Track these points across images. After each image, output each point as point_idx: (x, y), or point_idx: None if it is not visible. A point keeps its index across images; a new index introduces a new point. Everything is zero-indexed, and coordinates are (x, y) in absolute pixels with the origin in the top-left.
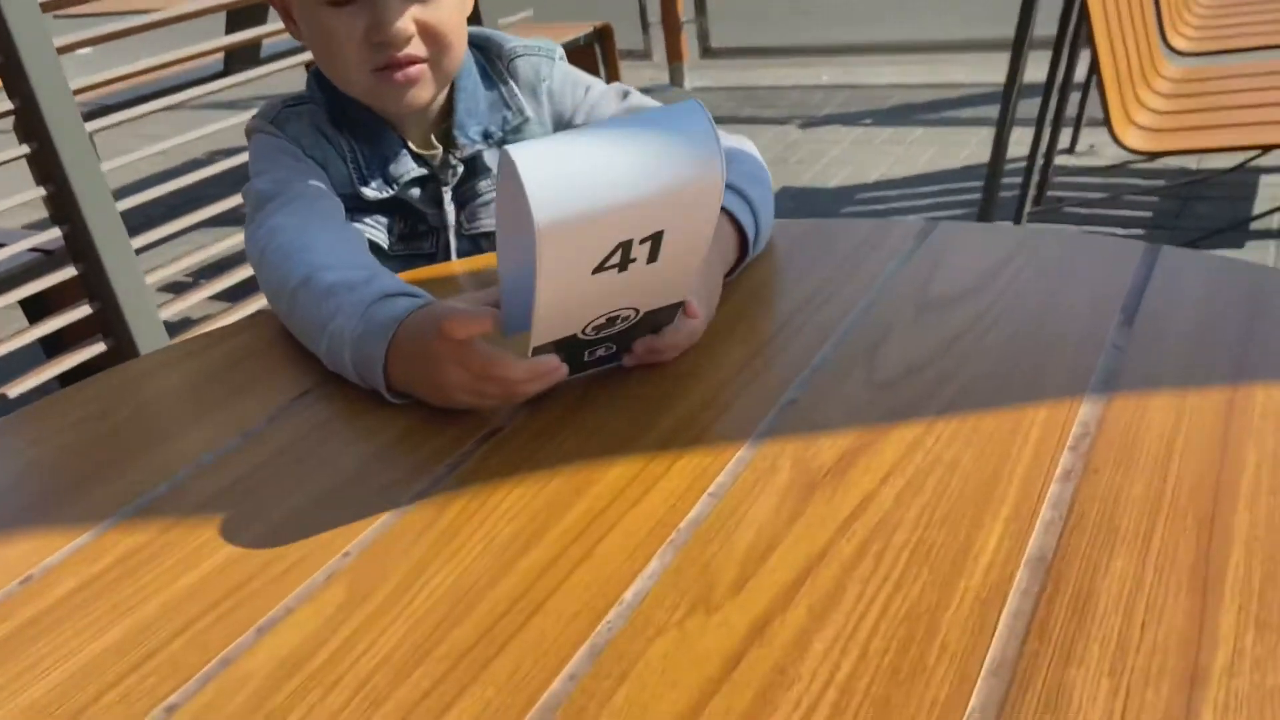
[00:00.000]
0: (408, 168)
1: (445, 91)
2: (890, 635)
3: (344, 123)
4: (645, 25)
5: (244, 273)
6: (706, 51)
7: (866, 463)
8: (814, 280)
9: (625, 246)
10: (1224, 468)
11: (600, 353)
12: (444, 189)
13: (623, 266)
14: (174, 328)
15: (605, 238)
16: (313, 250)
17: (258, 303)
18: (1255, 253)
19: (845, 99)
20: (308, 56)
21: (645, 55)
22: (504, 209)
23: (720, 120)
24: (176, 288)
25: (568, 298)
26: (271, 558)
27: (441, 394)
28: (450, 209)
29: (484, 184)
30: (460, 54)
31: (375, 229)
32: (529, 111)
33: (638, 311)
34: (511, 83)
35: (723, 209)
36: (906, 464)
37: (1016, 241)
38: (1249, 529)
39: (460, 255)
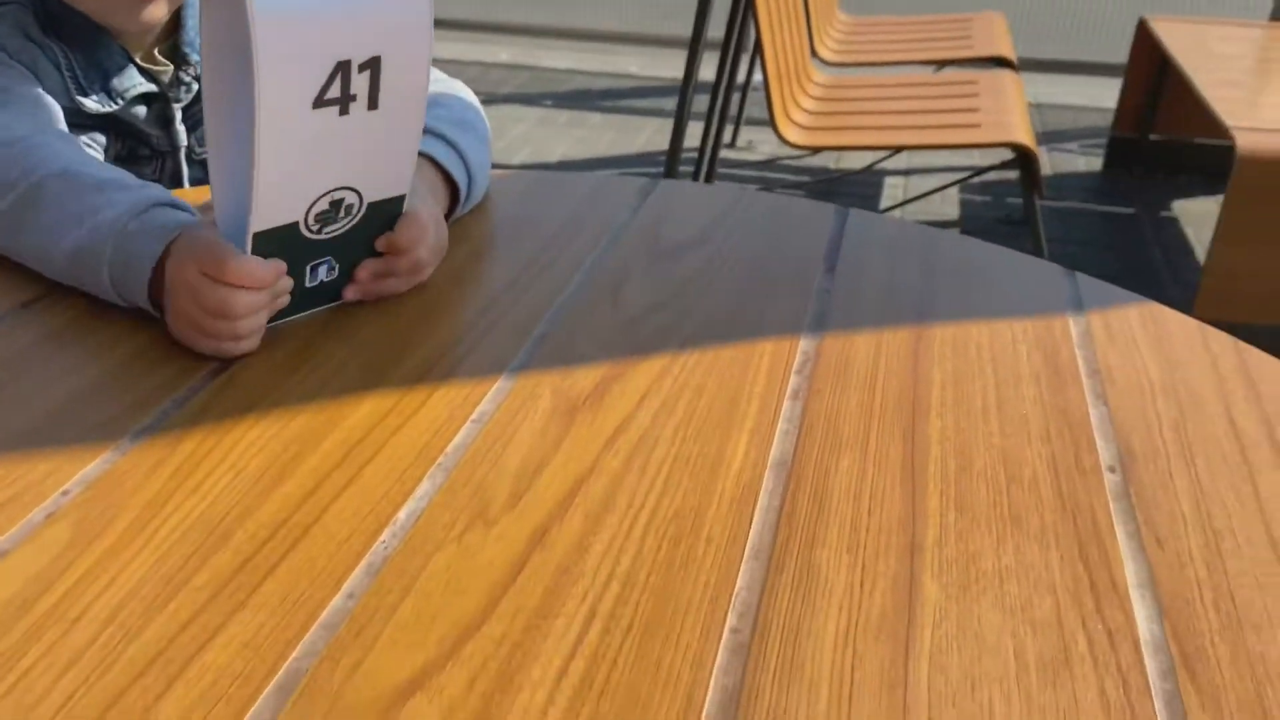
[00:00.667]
0: (134, 81)
1: (172, 8)
2: (661, 534)
3: (55, 29)
4: None
5: None
6: None
7: (621, 388)
8: (551, 227)
9: (344, 71)
10: (918, 386)
11: (322, 275)
12: (175, 106)
13: (344, 108)
14: None
15: (324, 51)
16: (57, 148)
17: None
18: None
19: (525, 79)
20: None
21: None
22: (213, 50)
23: None
24: None
25: (288, 148)
26: None
27: (171, 320)
28: (181, 130)
29: None
30: None
31: (91, 149)
32: None
33: (360, 200)
34: None
35: (430, 158)
36: (659, 388)
37: (730, 200)
38: (941, 433)
39: (193, 183)
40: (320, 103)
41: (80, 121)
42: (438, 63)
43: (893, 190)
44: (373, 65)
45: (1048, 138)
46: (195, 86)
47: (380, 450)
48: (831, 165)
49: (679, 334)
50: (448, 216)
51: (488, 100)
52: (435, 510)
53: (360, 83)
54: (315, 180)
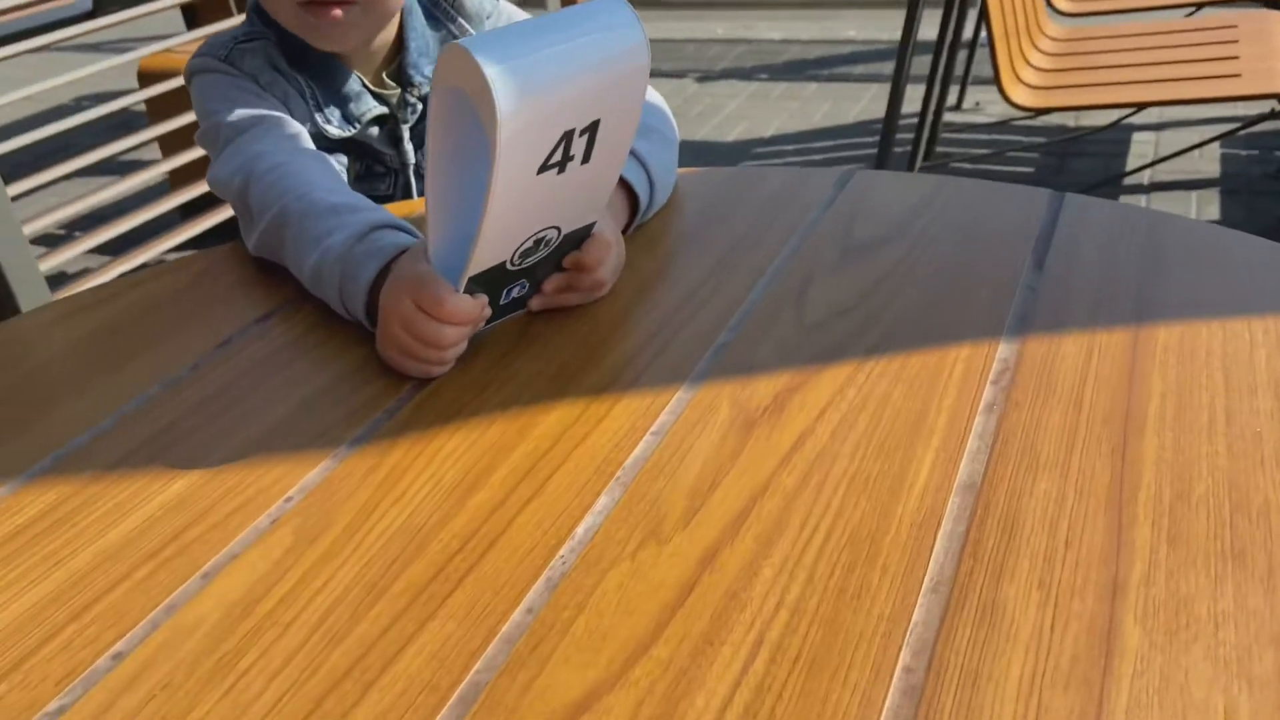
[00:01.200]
0: (369, 106)
1: (393, 31)
2: (834, 559)
3: (299, 61)
4: None
5: (125, 225)
6: None
7: (801, 400)
8: (739, 227)
9: (568, 139)
10: (1132, 398)
11: (515, 294)
12: (403, 127)
13: (561, 167)
14: (54, 281)
15: (554, 124)
16: (308, 172)
17: (140, 256)
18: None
19: (740, 53)
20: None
21: (540, 3)
22: (442, 122)
23: None
24: (52, 240)
25: (512, 206)
26: (209, 505)
27: (381, 343)
28: (409, 148)
29: None
30: (395, 2)
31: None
32: None
33: (559, 233)
34: (460, 20)
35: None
36: (840, 401)
37: (932, 189)
38: (1158, 453)
39: (420, 195)
40: (543, 168)
41: (323, 145)
42: (653, 42)
43: (1142, 148)
44: (592, 128)
45: None
46: (420, 107)
47: (564, 462)
48: (1070, 123)
49: (865, 341)
50: (627, 227)
51: (704, 77)
52: (612, 526)
53: (579, 144)
54: (527, 227)
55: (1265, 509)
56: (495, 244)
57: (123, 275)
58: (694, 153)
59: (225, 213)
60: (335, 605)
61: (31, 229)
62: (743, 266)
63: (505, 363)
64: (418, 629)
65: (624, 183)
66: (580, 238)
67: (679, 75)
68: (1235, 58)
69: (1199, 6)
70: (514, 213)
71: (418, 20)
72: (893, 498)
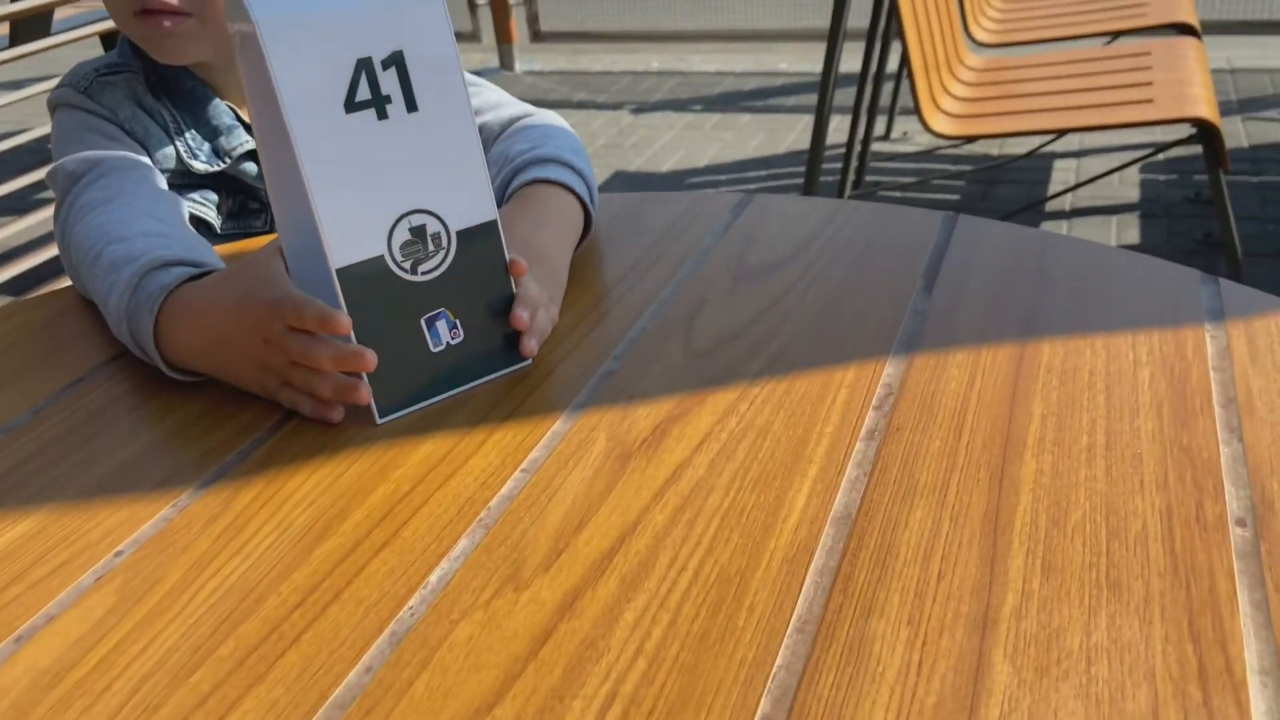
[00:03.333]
0: (241, 140)
1: None
2: (701, 600)
3: (165, 91)
4: (473, 6)
5: (27, 263)
6: (536, 35)
7: (681, 431)
8: (635, 252)
9: (369, 70)
10: (1013, 421)
11: (445, 336)
12: None
13: (381, 111)
14: None
15: (338, 49)
16: (111, 223)
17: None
18: (1050, 230)
19: (675, 85)
20: (101, 26)
21: (474, 37)
22: (254, 93)
23: (553, 105)
24: None
25: (335, 159)
26: (31, 562)
27: (232, 368)
28: None
29: None
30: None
31: (203, 206)
32: None
33: (446, 229)
34: None
35: (565, 186)
36: (720, 430)
37: (829, 213)
38: (1035, 478)
39: None
40: (353, 105)
41: (190, 181)
42: (588, 75)
43: (1063, 174)
44: (397, 62)
45: (1242, 106)
46: None
47: (424, 504)
48: (995, 151)
49: (751, 367)
50: (583, 237)
51: (639, 108)
52: (468, 572)
53: (390, 82)
54: (382, 201)
55: (1143, 535)
56: (347, 218)
57: None
58: (629, 183)
59: None
60: (154, 671)
61: None
62: (635, 292)
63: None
64: (241, 694)
65: (577, 198)
66: (491, 254)
67: (615, 107)
68: (1149, 84)
69: (1116, 35)
70: (346, 169)
71: None
72: (766, 532)
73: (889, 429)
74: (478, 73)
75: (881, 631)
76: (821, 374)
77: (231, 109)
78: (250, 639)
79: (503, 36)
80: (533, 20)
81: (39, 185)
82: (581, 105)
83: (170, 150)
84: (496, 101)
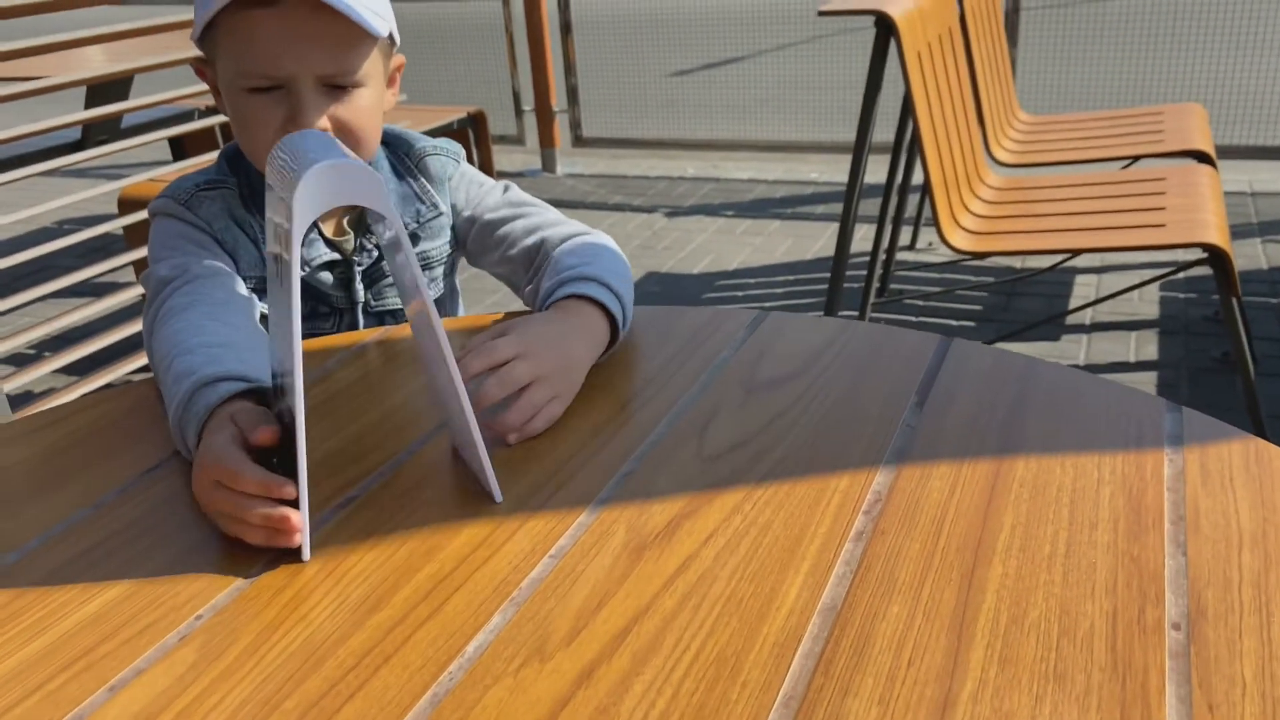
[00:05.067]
0: (319, 252)
1: None
2: (700, 676)
3: (256, 205)
4: (519, 112)
5: (91, 346)
6: (578, 140)
7: (691, 526)
8: (658, 361)
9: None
10: (985, 529)
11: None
12: (356, 269)
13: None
14: (16, 400)
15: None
16: (185, 331)
17: (106, 377)
18: (1069, 344)
19: (708, 191)
20: (170, 131)
21: (519, 141)
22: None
23: (590, 207)
24: (19, 360)
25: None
26: (124, 620)
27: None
28: (360, 288)
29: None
30: (373, 150)
31: None
32: (444, 207)
33: (290, 399)
34: (423, 179)
35: (598, 303)
36: (726, 527)
37: (834, 332)
38: (1000, 580)
39: (365, 327)
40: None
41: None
42: (626, 179)
43: (1084, 289)
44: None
45: (1263, 228)
46: (376, 252)
47: (465, 582)
48: (1017, 265)
49: (756, 471)
50: (608, 348)
51: (673, 212)
52: (500, 644)
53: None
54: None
55: (1090, 634)
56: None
57: (71, 402)
58: (661, 283)
59: None
60: (229, 719)
61: (1, 349)
62: (654, 400)
63: (424, 484)
64: None
65: (608, 315)
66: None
67: (650, 210)
68: (1162, 209)
69: (1134, 160)
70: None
71: (384, 172)
72: (760, 618)
73: (875, 531)
74: (520, 174)
75: (856, 710)
76: (819, 480)
77: (316, 225)
78: (311, 695)
79: (546, 141)
80: (575, 126)
81: (107, 271)
82: (618, 207)
83: (255, 259)
84: (554, 220)
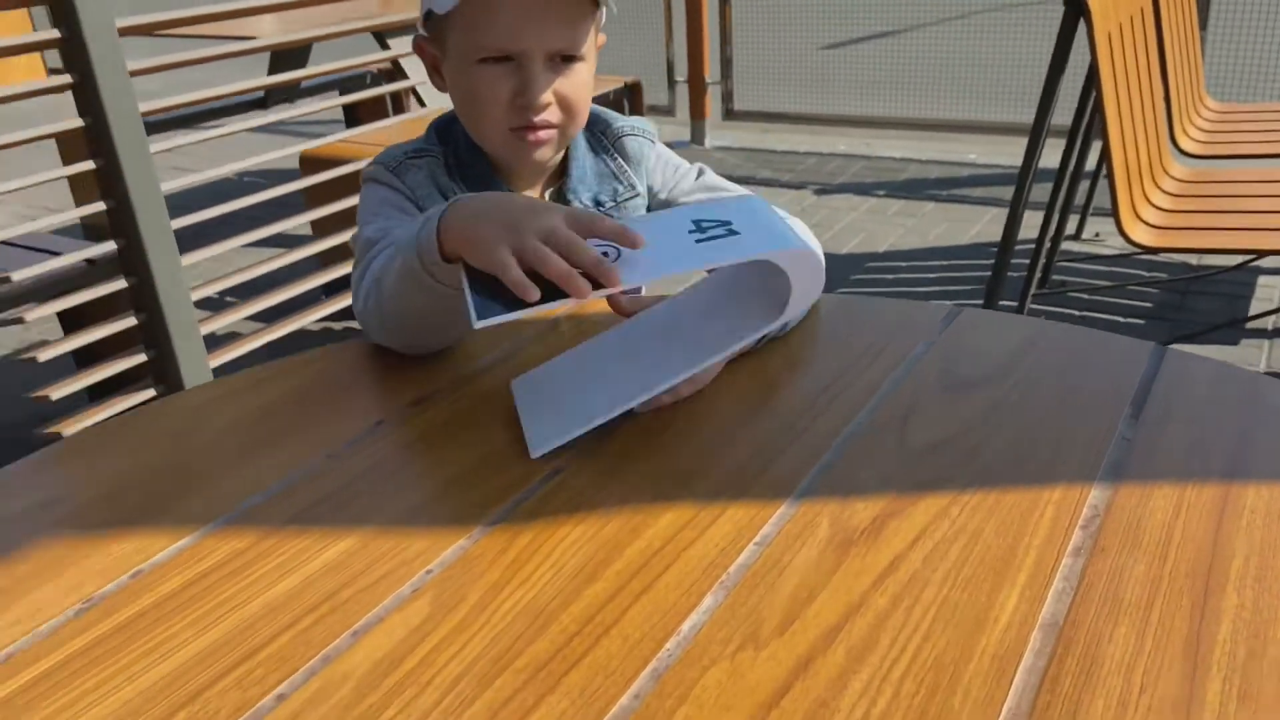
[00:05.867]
0: None
1: (561, 155)
2: (919, 680)
3: (460, 173)
4: (672, 83)
5: (280, 296)
6: (729, 113)
7: (897, 525)
8: (851, 352)
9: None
10: (1216, 556)
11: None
12: None
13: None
14: (211, 342)
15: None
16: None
17: (287, 327)
18: (1249, 351)
19: (860, 169)
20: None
21: (669, 112)
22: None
23: (739, 180)
24: (214, 304)
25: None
26: (362, 569)
27: (511, 232)
28: None
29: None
30: (583, 123)
31: None
32: (640, 187)
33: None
34: (620, 158)
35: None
36: (934, 530)
37: (1034, 332)
38: (1236, 611)
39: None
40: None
41: None
42: (775, 154)
43: (1268, 291)
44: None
45: None
46: None
47: (674, 562)
48: (1194, 262)
49: (962, 475)
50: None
51: (822, 190)
52: (714, 626)
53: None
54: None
55: None
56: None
57: (297, 358)
58: None
59: None
60: (466, 672)
61: (198, 294)
62: (849, 391)
63: (624, 463)
64: (535, 703)
65: None
66: None
67: (799, 187)
68: None
69: None
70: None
71: (581, 149)
72: (977, 628)
73: (1095, 549)
74: (670, 144)
75: None
76: (1029, 489)
77: (511, 192)
78: (540, 657)
79: (697, 113)
80: (727, 98)
81: (289, 229)
82: (767, 182)
83: None
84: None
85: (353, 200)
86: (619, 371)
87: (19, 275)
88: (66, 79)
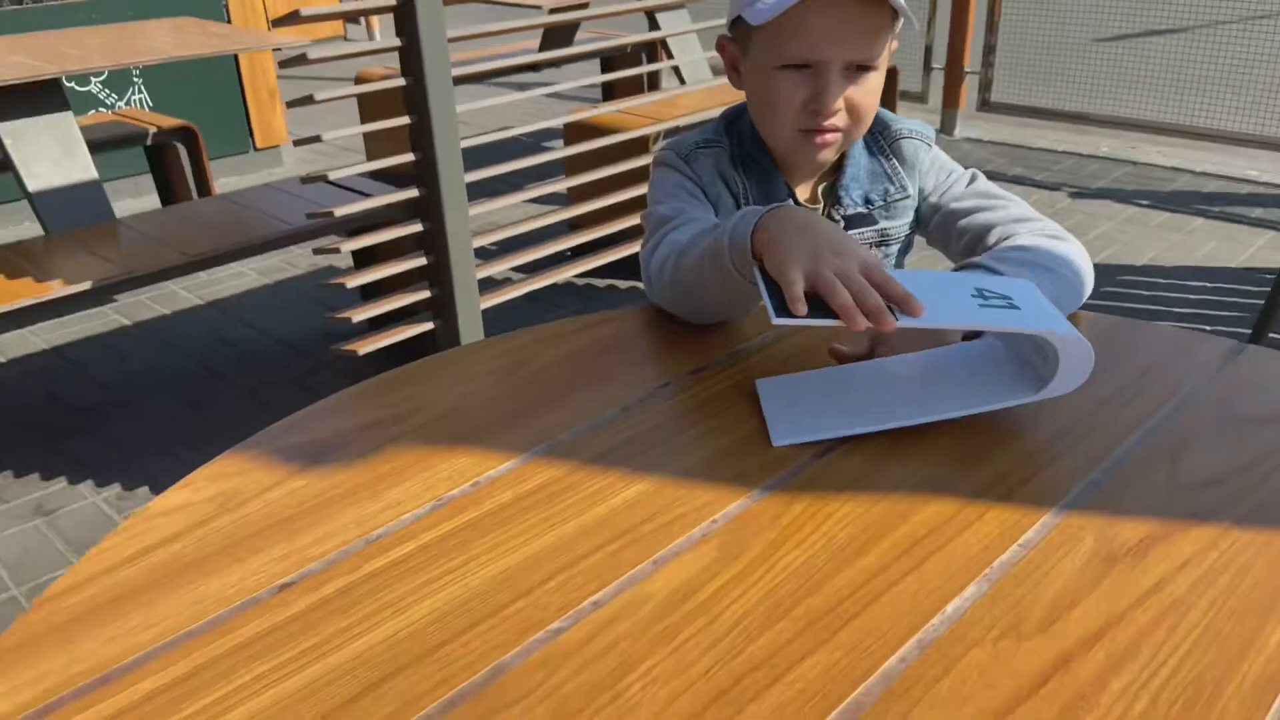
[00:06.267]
0: None
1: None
2: (1177, 693)
3: (743, 165)
4: (928, 69)
5: (544, 250)
6: (985, 104)
7: (1164, 551)
8: (1122, 376)
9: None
10: None
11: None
12: None
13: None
14: (483, 285)
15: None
16: (696, 226)
17: (543, 280)
18: None
19: (1122, 175)
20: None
21: (921, 99)
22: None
23: (990, 175)
24: (486, 253)
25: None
26: (658, 509)
27: (811, 259)
28: None
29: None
30: (867, 127)
31: None
32: (911, 190)
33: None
34: (895, 160)
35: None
36: (1201, 559)
37: None
38: None
39: None
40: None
41: None
42: (1029, 150)
43: None
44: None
45: None
46: (842, 224)
47: (939, 549)
48: None
49: (1235, 511)
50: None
51: (1078, 193)
52: (977, 612)
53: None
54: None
55: None
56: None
57: (594, 315)
58: None
59: (611, 255)
60: (749, 611)
61: (478, 242)
62: (1120, 415)
63: (892, 454)
64: (811, 650)
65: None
66: None
67: (1052, 188)
68: None
69: None
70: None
71: (858, 148)
72: (1240, 656)
73: None
74: None
75: None
76: None
77: (788, 186)
78: (815, 611)
79: (950, 101)
80: (984, 88)
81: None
82: (1017, 180)
83: (733, 211)
84: (1020, 215)
85: (608, 170)
86: (871, 396)
87: (341, 211)
88: (396, 42)
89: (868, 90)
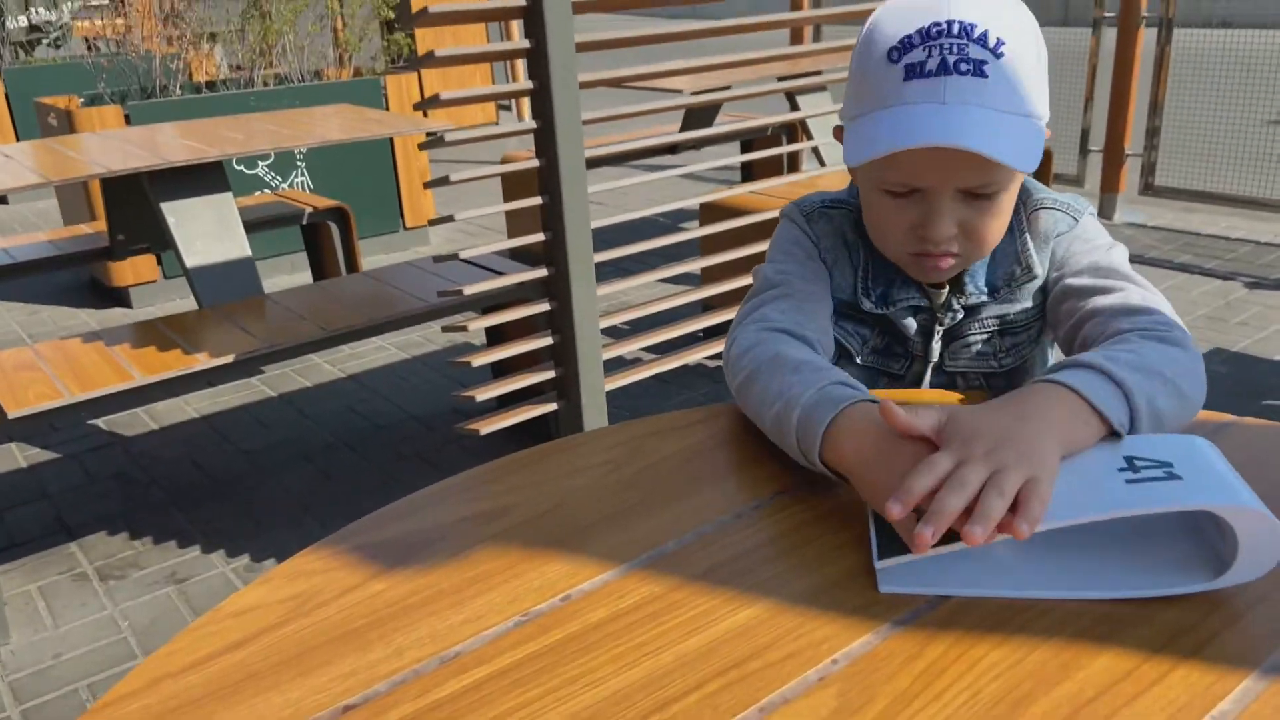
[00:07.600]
0: (910, 295)
1: None
2: None
3: (866, 234)
4: (1084, 152)
5: (676, 331)
6: (1148, 187)
7: None
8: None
9: None
10: None
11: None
12: (938, 326)
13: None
14: (608, 365)
15: None
16: (788, 341)
17: (673, 362)
18: None
19: None
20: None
21: (1078, 182)
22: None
23: (1149, 263)
24: (617, 332)
25: None
26: (768, 642)
27: (877, 485)
28: (937, 345)
29: (974, 328)
30: (992, 247)
31: (851, 338)
32: (1038, 270)
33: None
34: (1027, 235)
35: (1071, 389)
36: None
37: None
38: None
39: (931, 387)
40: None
41: (853, 314)
42: (1198, 236)
43: None
44: None
45: None
46: (962, 314)
47: (1112, 716)
48: None
49: None
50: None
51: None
52: None
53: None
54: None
55: None
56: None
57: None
58: (1229, 364)
59: None
60: None
61: (605, 322)
62: None
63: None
64: None
65: (1093, 409)
66: None
67: (1225, 277)
68: None
69: None
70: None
71: None
72: None
73: None
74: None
75: None
76: None
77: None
78: None
79: (1109, 185)
80: (1147, 171)
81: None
82: (1184, 268)
83: (849, 284)
84: (1138, 306)
85: (743, 251)
86: (1006, 558)
87: (470, 290)
88: (532, 124)
89: (988, 214)
